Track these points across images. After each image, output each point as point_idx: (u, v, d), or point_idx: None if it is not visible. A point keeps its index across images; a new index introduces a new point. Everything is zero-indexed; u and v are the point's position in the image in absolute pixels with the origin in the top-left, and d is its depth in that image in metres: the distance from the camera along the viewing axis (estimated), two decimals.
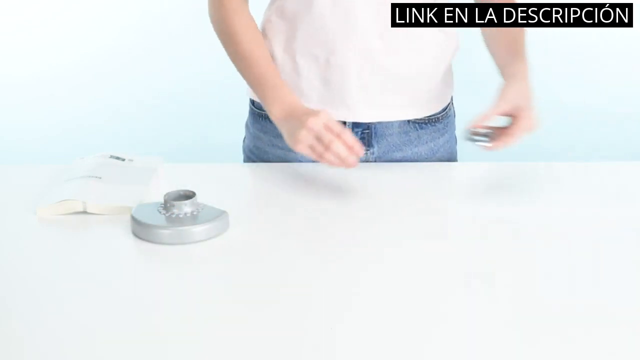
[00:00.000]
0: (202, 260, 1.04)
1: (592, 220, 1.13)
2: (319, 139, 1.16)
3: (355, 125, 1.36)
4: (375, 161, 1.39)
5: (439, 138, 1.42)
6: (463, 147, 1.52)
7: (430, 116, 1.40)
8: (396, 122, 1.37)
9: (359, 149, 1.16)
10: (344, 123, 1.36)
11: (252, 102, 1.44)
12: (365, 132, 1.37)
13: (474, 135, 1.20)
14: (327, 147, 1.15)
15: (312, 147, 1.17)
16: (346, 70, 1.32)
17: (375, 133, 1.37)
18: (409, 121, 1.38)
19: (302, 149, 1.18)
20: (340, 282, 0.97)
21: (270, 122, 1.39)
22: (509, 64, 1.31)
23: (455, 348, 0.83)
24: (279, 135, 1.39)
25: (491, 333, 0.86)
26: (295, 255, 1.05)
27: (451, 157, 1.46)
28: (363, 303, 0.92)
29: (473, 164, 1.39)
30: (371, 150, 1.39)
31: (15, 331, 0.87)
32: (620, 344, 0.84)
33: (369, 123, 1.36)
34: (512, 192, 1.24)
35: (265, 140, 1.41)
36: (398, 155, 1.40)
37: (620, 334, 0.85)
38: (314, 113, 1.18)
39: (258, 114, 1.42)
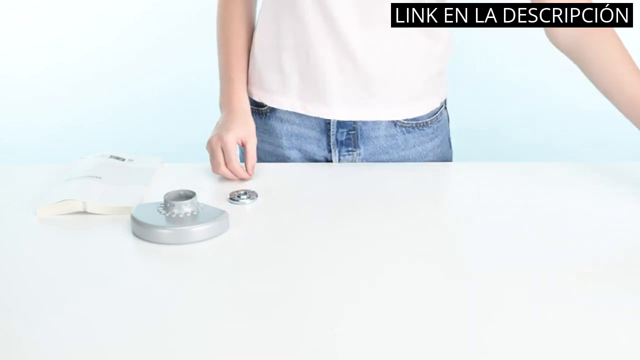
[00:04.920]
0: (202, 260, 1.04)
1: (592, 220, 1.13)
2: (211, 157, 1.28)
3: (340, 126, 1.36)
4: (362, 162, 1.39)
5: (427, 143, 1.41)
6: (462, 142, 1.53)
7: (417, 121, 1.38)
8: (382, 124, 1.37)
9: (242, 175, 1.27)
10: (329, 122, 1.36)
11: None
12: (350, 133, 1.37)
13: None
14: (214, 170, 1.28)
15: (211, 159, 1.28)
16: (325, 68, 1.32)
17: (361, 135, 1.37)
18: (395, 124, 1.37)
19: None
20: (339, 281, 0.97)
21: (260, 118, 1.40)
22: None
23: (454, 348, 0.83)
24: (267, 132, 1.40)
25: (490, 333, 0.86)
26: (295, 255, 1.05)
27: (443, 161, 1.45)
28: (362, 303, 0.92)
29: (470, 163, 1.39)
30: (357, 152, 1.38)
31: (15, 331, 0.87)
32: (621, 344, 0.84)
33: (354, 124, 1.36)
34: (510, 192, 1.24)
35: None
36: (384, 157, 1.39)
37: (620, 334, 0.85)
38: (213, 138, 1.28)
39: (251, 108, 1.42)
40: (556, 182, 1.28)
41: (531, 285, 0.96)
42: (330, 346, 0.84)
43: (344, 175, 1.32)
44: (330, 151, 1.39)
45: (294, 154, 1.40)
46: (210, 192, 1.21)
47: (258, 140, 1.41)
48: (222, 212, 1.10)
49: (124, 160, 1.32)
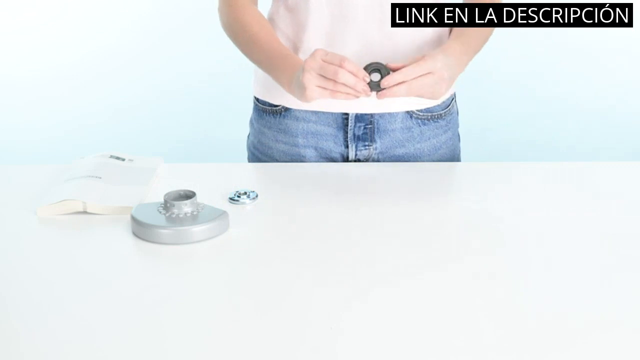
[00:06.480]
0: (202, 260, 1.04)
1: (593, 220, 1.13)
2: (323, 75, 1.15)
3: (358, 120, 1.37)
4: (377, 157, 1.40)
5: (441, 135, 1.42)
6: (465, 142, 1.53)
7: (431, 112, 1.40)
8: (399, 117, 1.38)
9: (363, 74, 1.16)
10: (346, 117, 1.36)
11: (257, 99, 1.45)
12: (367, 127, 1.38)
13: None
14: (334, 81, 1.14)
15: (321, 87, 1.16)
16: None
17: (377, 128, 1.38)
18: (411, 117, 1.39)
19: (312, 94, 1.16)
20: (340, 282, 0.97)
21: (274, 117, 1.40)
22: (450, 40, 1.31)
23: (456, 348, 0.83)
24: (282, 131, 1.40)
25: (492, 333, 0.86)
26: (295, 255, 1.05)
27: (454, 154, 1.47)
28: (363, 303, 0.92)
29: (475, 164, 1.39)
30: (374, 146, 1.39)
31: (15, 331, 0.87)
32: (621, 344, 0.84)
33: (371, 117, 1.36)
34: (513, 192, 1.24)
35: (269, 136, 1.42)
36: (400, 151, 1.40)
37: (620, 334, 0.85)
38: (310, 54, 1.17)
39: (262, 109, 1.43)
40: (557, 182, 1.28)
41: (535, 286, 0.96)
42: (331, 346, 0.84)
43: (345, 175, 1.32)
44: (347, 147, 1.39)
45: (309, 152, 1.40)
46: (210, 192, 1.21)
47: (273, 141, 1.42)
48: (222, 212, 1.10)
49: (124, 160, 1.32)
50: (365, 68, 1.17)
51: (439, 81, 1.19)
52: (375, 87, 1.18)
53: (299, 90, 1.19)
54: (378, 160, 1.40)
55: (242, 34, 1.34)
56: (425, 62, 1.18)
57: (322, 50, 1.17)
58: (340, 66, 1.14)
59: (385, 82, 1.16)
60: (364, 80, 1.16)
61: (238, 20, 1.34)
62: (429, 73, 1.17)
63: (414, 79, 1.17)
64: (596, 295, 0.93)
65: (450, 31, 1.36)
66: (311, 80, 1.16)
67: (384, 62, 1.20)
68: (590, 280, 0.97)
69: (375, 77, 1.18)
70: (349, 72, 1.14)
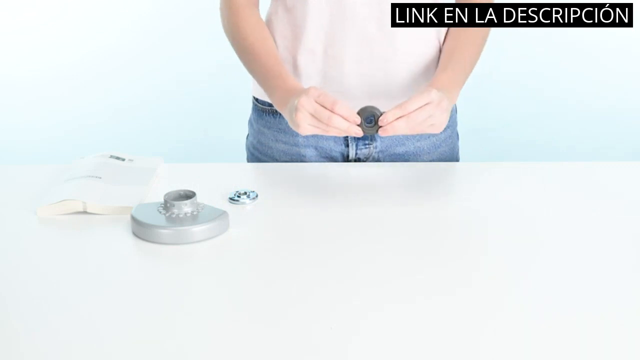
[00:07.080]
0: (202, 260, 1.04)
1: (592, 220, 1.13)
2: (317, 117, 1.16)
3: None
4: (378, 155, 1.40)
5: (441, 133, 1.42)
6: (465, 142, 1.53)
7: None
8: None
9: (355, 117, 1.16)
10: None
11: (256, 99, 1.45)
12: None
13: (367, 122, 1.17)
14: (327, 124, 1.15)
15: (314, 126, 1.17)
16: (344, 60, 1.33)
17: None
18: None
19: (305, 131, 1.17)
20: (340, 282, 0.97)
21: (274, 117, 1.40)
22: (438, 72, 1.31)
23: (456, 347, 0.83)
24: (282, 130, 1.40)
25: (492, 332, 0.86)
26: (295, 255, 1.05)
27: (453, 152, 1.47)
28: (363, 303, 0.92)
29: (475, 163, 1.39)
30: (374, 145, 1.39)
31: (15, 331, 0.87)
32: (621, 344, 0.84)
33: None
34: (513, 192, 1.24)
35: (269, 136, 1.42)
36: (401, 149, 1.40)
37: (620, 334, 0.85)
38: (304, 92, 1.18)
39: (261, 109, 1.43)
40: (557, 182, 1.28)
41: (534, 286, 0.96)
42: (330, 346, 0.84)
43: (345, 174, 1.32)
44: (347, 146, 1.39)
45: (309, 151, 1.40)
46: (210, 192, 1.21)
47: (273, 141, 1.42)
48: (222, 212, 1.10)
49: (124, 160, 1.32)
50: (360, 112, 1.17)
51: (439, 111, 1.18)
52: (368, 129, 1.17)
53: (292, 123, 1.20)
54: (378, 159, 1.41)
55: (240, 41, 1.35)
56: (421, 94, 1.17)
57: (316, 90, 1.17)
58: (332, 110, 1.14)
59: (384, 118, 1.16)
60: (356, 122, 1.16)
61: (236, 25, 1.35)
62: (427, 104, 1.16)
63: (412, 112, 1.16)
64: (596, 295, 0.93)
65: (440, 58, 1.36)
66: (304, 119, 1.16)
67: (378, 108, 1.19)
68: (590, 280, 0.97)
69: (370, 120, 1.18)
70: (342, 116, 1.15)
